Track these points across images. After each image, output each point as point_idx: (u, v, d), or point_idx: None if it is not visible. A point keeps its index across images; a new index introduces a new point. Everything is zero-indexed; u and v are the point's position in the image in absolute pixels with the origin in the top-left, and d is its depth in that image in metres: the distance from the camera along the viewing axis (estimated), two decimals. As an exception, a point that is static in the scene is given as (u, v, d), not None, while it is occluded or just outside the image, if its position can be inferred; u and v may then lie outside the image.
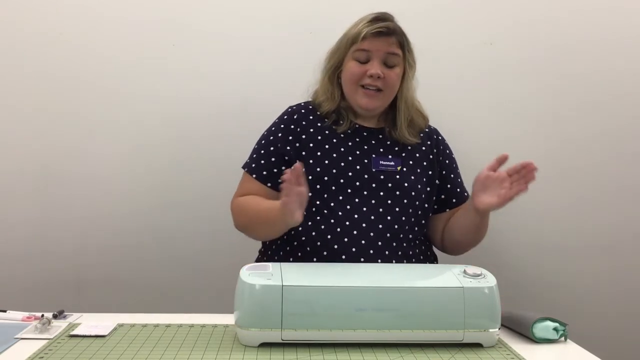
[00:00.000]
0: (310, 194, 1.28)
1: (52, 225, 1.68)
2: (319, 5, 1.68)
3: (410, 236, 1.32)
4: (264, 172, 1.34)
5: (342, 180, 1.30)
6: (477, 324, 0.98)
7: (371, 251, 1.25)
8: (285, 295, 0.95)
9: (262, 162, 1.36)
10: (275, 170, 1.34)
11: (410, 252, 1.31)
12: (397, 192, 1.32)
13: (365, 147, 1.35)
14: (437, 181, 1.40)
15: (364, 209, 1.29)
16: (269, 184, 1.34)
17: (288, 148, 1.34)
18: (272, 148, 1.36)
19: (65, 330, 1.03)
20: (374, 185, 1.31)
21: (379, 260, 1.25)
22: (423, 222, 1.36)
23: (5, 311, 1.11)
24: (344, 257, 1.24)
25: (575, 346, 1.04)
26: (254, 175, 1.35)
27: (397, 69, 1.34)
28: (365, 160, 1.33)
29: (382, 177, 1.32)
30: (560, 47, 1.72)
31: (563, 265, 1.76)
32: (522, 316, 1.08)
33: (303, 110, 1.40)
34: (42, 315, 1.06)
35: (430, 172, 1.39)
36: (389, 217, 1.29)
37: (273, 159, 1.35)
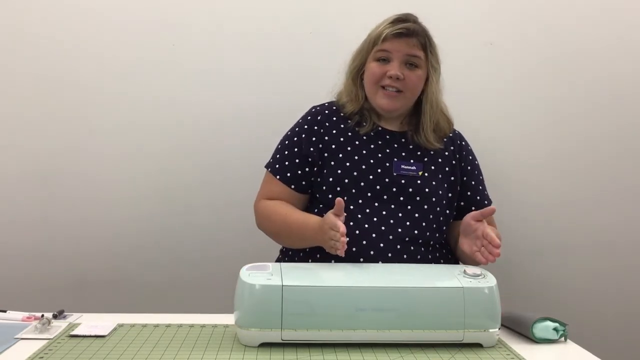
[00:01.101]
0: (329, 196, 1.29)
1: (53, 226, 1.68)
2: (319, 5, 1.68)
3: (431, 242, 1.30)
4: (288, 174, 1.34)
5: (362, 184, 1.29)
6: (477, 324, 0.98)
7: (389, 254, 1.25)
8: (285, 295, 0.95)
9: (286, 163, 1.35)
10: (299, 172, 1.33)
11: (430, 257, 1.30)
12: (418, 197, 1.30)
13: (387, 150, 1.34)
14: (458, 187, 1.39)
15: (384, 212, 1.28)
16: (292, 186, 1.34)
17: (311, 149, 1.33)
18: (296, 149, 1.35)
19: (65, 330, 1.03)
20: (394, 189, 1.30)
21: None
22: (444, 227, 1.35)
23: (5, 311, 1.11)
24: (362, 259, 1.24)
25: (575, 346, 1.04)
26: (278, 177, 1.34)
27: (419, 71, 1.32)
28: (387, 164, 1.32)
29: (403, 181, 1.31)
30: (560, 47, 1.72)
31: (563, 265, 1.76)
32: (522, 316, 1.08)
33: (327, 111, 1.39)
34: (42, 315, 1.06)
35: (452, 178, 1.37)
36: (408, 222, 1.28)
37: (297, 161, 1.34)
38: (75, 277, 1.69)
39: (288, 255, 1.35)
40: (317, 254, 1.27)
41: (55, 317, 1.09)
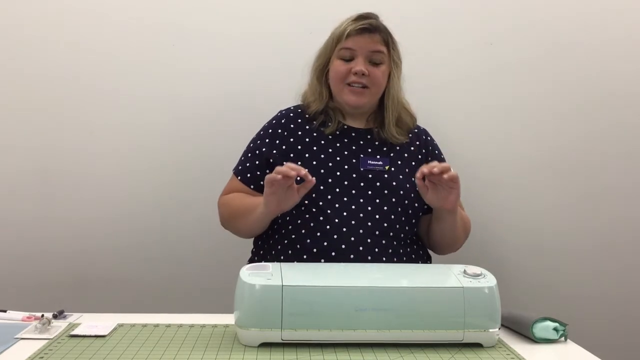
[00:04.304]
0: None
1: (52, 225, 1.68)
2: (318, 5, 1.68)
3: (401, 235, 1.32)
4: (248, 175, 1.38)
5: (330, 180, 1.31)
6: (477, 324, 0.98)
7: (360, 248, 1.26)
8: (285, 295, 0.95)
9: (248, 165, 1.39)
10: (258, 172, 1.37)
11: (401, 251, 1.32)
12: (385, 191, 1.33)
13: (354, 147, 1.37)
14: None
15: (353, 207, 1.30)
16: (252, 186, 1.37)
17: (274, 152, 1.36)
18: (257, 152, 1.39)
19: (65, 330, 1.03)
20: (362, 184, 1.32)
21: (369, 258, 1.26)
22: (414, 221, 1.37)
23: (5, 311, 1.11)
24: (333, 254, 1.25)
25: (575, 346, 1.04)
26: (239, 177, 1.39)
27: (383, 66, 1.35)
28: (354, 160, 1.35)
29: (370, 176, 1.33)
30: (560, 47, 1.72)
31: (563, 265, 1.76)
32: (522, 316, 1.08)
33: (292, 114, 1.42)
34: (42, 315, 1.06)
35: None
36: (377, 216, 1.30)
37: (257, 162, 1.38)
38: (76, 277, 1.69)
39: (259, 254, 1.37)
40: (289, 250, 1.28)
41: (55, 317, 1.09)
